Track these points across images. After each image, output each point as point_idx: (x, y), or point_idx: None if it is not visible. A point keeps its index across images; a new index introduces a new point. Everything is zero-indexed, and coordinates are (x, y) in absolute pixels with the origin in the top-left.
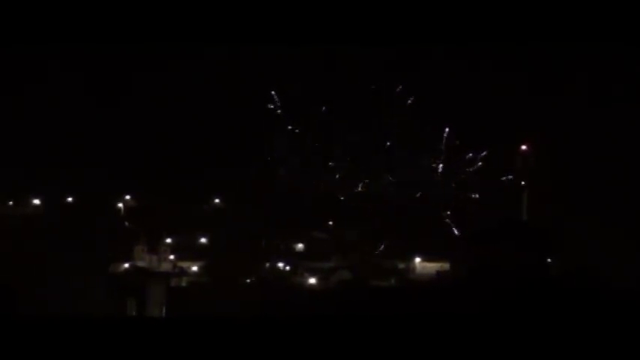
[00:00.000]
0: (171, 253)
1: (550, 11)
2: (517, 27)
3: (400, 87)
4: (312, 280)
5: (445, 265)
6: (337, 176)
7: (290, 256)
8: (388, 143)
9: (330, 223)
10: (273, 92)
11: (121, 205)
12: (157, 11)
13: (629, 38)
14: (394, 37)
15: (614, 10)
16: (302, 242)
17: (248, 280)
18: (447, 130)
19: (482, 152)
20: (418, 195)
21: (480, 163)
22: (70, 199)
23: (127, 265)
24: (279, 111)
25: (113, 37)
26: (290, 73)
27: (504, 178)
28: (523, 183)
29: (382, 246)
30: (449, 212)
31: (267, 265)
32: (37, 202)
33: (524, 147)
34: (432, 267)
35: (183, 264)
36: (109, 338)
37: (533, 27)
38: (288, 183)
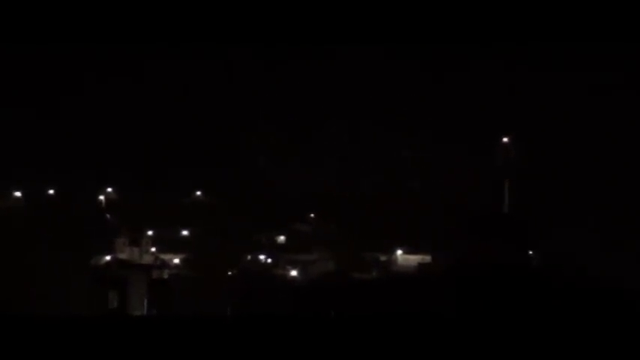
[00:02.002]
0: (153, 246)
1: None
2: (510, 26)
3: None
4: (294, 273)
5: (427, 258)
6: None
7: (272, 249)
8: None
9: (312, 215)
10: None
11: (102, 197)
12: (152, 11)
13: (614, 35)
14: (388, 36)
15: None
16: (283, 235)
17: (230, 273)
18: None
19: (464, 144)
20: (400, 188)
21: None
22: (51, 191)
23: (108, 258)
24: None
25: (103, 37)
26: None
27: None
28: (505, 176)
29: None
30: (430, 205)
31: (249, 257)
32: (18, 194)
33: (505, 139)
34: (414, 259)
35: (165, 256)
36: (93, 337)
37: (526, 26)
38: (271, 177)
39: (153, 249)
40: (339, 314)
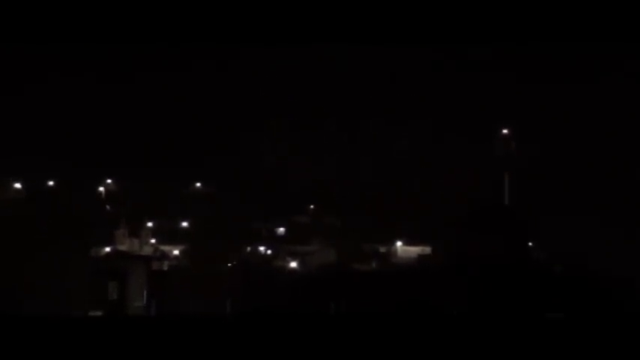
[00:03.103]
0: (153, 237)
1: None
2: (513, 27)
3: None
4: (294, 264)
5: (426, 249)
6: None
7: (271, 240)
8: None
9: (312, 207)
10: None
11: (102, 189)
12: (154, 11)
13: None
14: (388, 36)
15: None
16: (283, 226)
17: (229, 264)
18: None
19: (464, 137)
20: (399, 180)
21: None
22: (51, 183)
23: (108, 249)
24: None
25: (105, 37)
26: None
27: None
28: (505, 168)
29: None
30: (430, 196)
31: (249, 249)
32: (18, 186)
33: (505, 131)
34: (414, 251)
35: (165, 248)
36: (93, 337)
37: (530, 27)
38: (271, 170)
39: (153, 240)
40: (339, 307)
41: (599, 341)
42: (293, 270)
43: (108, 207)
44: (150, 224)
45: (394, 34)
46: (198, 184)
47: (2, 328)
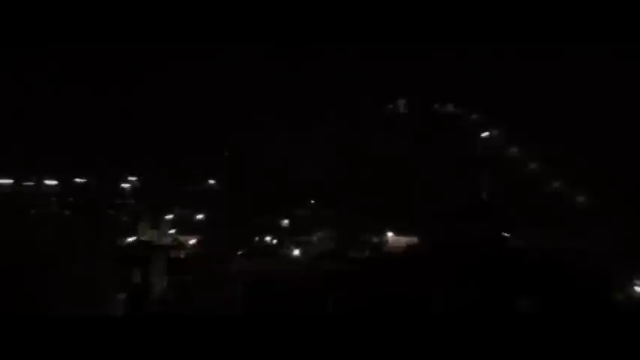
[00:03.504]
0: (172, 229)
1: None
2: (513, 27)
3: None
4: (296, 252)
5: (414, 239)
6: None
7: (277, 232)
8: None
9: (312, 201)
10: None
11: (127, 185)
12: (155, 11)
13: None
14: (388, 36)
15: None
16: (287, 219)
17: (239, 252)
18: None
19: (448, 134)
20: (389, 174)
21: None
22: (81, 180)
23: (132, 239)
24: None
25: (115, 35)
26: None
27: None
28: (485, 164)
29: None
30: (419, 192)
31: (257, 239)
32: (51, 182)
33: (486, 133)
34: (403, 241)
35: (182, 238)
36: (100, 335)
37: (530, 27)
38: (274, 167)
39: (172, 231)
40: (336, 294)
41: (580, 337)
42: (296, 257)
43: (132, 201)
44: (169, 217)
45: (394, 33)
46: (211, 182)
47: (6, 328)
